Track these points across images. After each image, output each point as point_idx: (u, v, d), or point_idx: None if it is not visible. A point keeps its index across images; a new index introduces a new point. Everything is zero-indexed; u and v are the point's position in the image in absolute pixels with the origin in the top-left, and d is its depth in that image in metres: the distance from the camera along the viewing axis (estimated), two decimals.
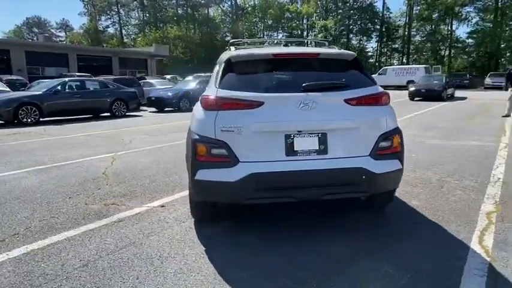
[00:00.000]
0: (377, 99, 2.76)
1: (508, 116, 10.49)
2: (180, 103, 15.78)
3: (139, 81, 19.08)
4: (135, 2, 55.49)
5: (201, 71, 32.02)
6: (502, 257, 2.50)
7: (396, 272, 2.35)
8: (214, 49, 50.41)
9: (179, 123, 10.86)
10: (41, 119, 11.19)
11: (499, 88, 23.43)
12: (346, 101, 2.67)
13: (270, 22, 55.69)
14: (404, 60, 45.15)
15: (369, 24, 49.08)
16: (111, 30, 60.53)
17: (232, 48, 3.33)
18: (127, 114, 13.60)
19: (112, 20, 59.45)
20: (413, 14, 45.30)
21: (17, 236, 3.01)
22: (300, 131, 2.60)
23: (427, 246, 2.71)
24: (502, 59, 39.46)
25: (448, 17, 41.87)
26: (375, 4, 48.54)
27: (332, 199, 2.89)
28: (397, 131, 2.80)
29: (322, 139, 2.62)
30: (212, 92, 2.78)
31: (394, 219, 3.29)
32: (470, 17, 41.07)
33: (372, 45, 52.27)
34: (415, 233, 2.95)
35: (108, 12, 58.98)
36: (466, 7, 40.28)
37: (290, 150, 2.60)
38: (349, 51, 3.08)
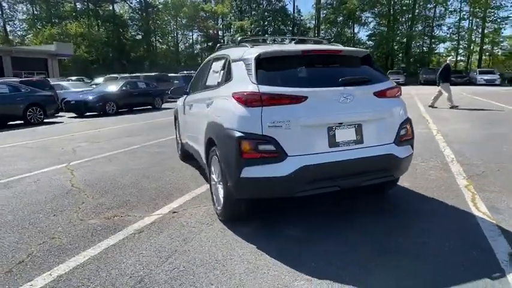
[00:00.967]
0: (395, 92, 3.08)
1: (432, 106, 12.16)
2: (106, 107, 14.55)
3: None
4: None
5: (111, 72, 29.75)
6: (502, 219, 3.03)
7: (433, 241, 2.69)
8: (123, 48, 47.14)
9: (117, 128, 10.13)
10: None
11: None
12: (375, 93, 2.92)
13: (184, 21, 54.45)
14: None
15: (282, 25, 51.65)
16: None
17: (247, 44, 3.31)
18: (45, 121, 12.04)
19: None
20: (322, 18, 49.22)
21: (24, 263, 2.55)
22: (341, 123, 2.76)
23: (443, 219, 3.12)
24: (395, 59, 45.56)
25: (350, 21, 46.60)
26: (287, 7, 51.36)
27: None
28: (409, 120, 3.16)
29: (359, 130, 2.82)
30: (249, 88, 2.75)
31: (402, 200, 3.65)
32: (368, 22, 46.62)
33: None
34: (426, 209, 3.35)
35: None
36: (366, 12, 45.48)
37: (333, 142, 2.74)
38: (363, 49, 3.35)
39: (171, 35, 56.92)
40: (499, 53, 42.08)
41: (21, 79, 16.23)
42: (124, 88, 15.78)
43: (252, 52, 2.99)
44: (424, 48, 44.70)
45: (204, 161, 3.63)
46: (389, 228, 2.94)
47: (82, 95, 15.08)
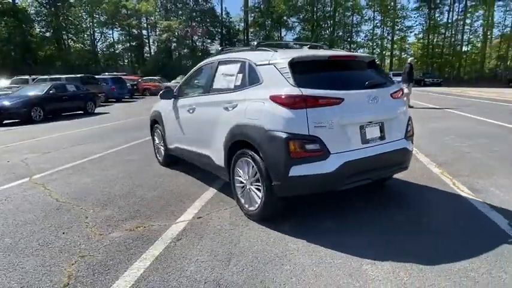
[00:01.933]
0: (401, 93, 3.50)
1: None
2: (32, 113, 12.94)
3: None
4: None
5: (17, 73, 25.98)
6: (485, 197, 3.67)
7: (446, 219, 3.16)
8: (28, 46, 41.68)
9: (57, 136, 9.23)
10: None
11: None
12: (391, 95, 3.30)
13: (102, 18, 50.76)
14: None
15: (211, 27, 51.53)
16: None
17: (268, 49, 3.42)
18: None
19: None
20: (250, 21, 50.40)
21: (73, 285, 2.33)
22: (370, 122, 3.07)
23: (443, 201, 3.65)
24: None
25: (278, 25, 48.58)
26: (215, 8, 51.41)
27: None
28: (411, 118, 3.62)
29: (382, 127, 3.17)
30: (290, 90, 2.88)
31: (401, 190, 4.09)
32: (294, 26, 49.22)
33: (215, 47, 55.02)
34: (425, 195, 3.85)
35: None
36: (292, 18, 47.89)
37: (364, 139, 3.04)
38: (370, 55, 3.70)
39: (87, 32, 52.47)
40: (407, 57, 48.16)
41: None
42: (51, 91, 14.22)
43: (282, 56, 3.13)
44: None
45: (221, 164, 3.64)
46: (403, 214, 3.35)
47: None
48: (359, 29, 47.98)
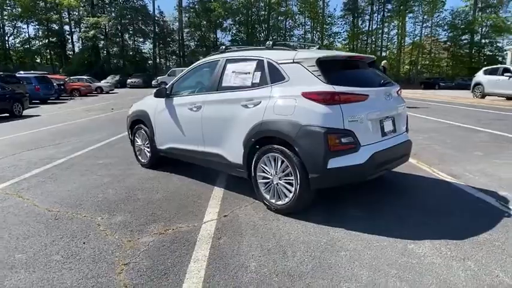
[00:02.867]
0: (400, 91, 3.89)
1: None
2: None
3: None
4: None
5: None
6: (465, 180, 4.26)
7: (442, 202, 3.62)
8: None
9: (22, 135, 8.15)
10: None
11: None
12: (397, 92, 3.66)
13: (15, 10, 45.28)
14: (181, 63, 48.45)
15: (143, 25, 49.15)
16: None
17: (287, 48, 3.54)
18: None
19: None
20: (185, 21, 49.25)
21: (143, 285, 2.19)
22: (387, 117, 3.38)
23: (434, 186, 4.13)
24: None
25: (213, 26, 48.27)
26: (147, 5, 49.10)
27: None
28: (407, 114, 4.04)
29: (394, 121, 3.51)
30: (323, 87, 3.05)
31: (392, 179, 4.52)
32: (230, 28, 49.37)
33: (148, 46, 52.65)
34: (417, 183, 4.31)
35: None
36: (228, 20, 48.01)
37: (383, 132, 3.34)
38: (372, 56, 4.02)
39: None
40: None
41: None
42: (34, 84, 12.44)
43: (308, 55, 3.28)
44: None
45: (238, 161, 3.65)
46: (411, 200, 3.75)
47: None
48: (292, 33, 50.21)
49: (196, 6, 48.99)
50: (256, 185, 3.55)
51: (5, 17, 46.14)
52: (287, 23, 49.67)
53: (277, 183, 3.35)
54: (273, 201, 3.40)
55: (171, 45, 53.96)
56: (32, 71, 28.81)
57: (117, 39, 49.18)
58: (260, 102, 3.42)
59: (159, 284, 2.28)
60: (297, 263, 2.48)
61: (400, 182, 4.40)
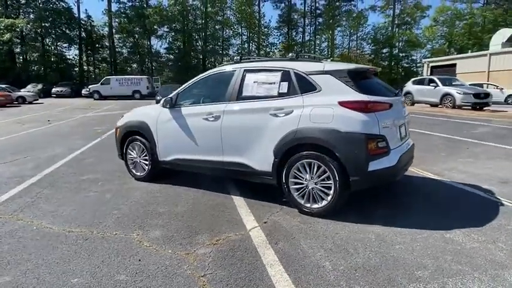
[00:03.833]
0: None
1: None
2: None
3: None
4: None
5: None
6: (449, 177, 4.92)
7: (441, 195, 4.18)
8: None
9: None
10: None
11: None
12: (402, 102, 4.13)
13: None
14: (112, 71, 45.68)
15: (68, 29, 45.29)
16: None
17: (316, 60, 3.82)
18: None
19: None
20: (116, 26, 46.68)
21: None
22: (403, 123, 3.81)
23: (430, 187, 4.70)
24: (194, 73, 49.25)
25: (147, 33, 46.53)
26: (72, 8, 45.29)
27: None
28: None
29: (405, 127, 3.96)
30: (357, 97, 3.37)
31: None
32: (165, 36, 48.10)
33: (74, 52, 48.49)
34: (411, 182, 4.85)
35: None
36: (163, 27, 46.72)
37: (400, 137, 3.76)
38: (376, 67, 4.45)
39: None
40: None
41: None
42: None
43: (337, 67, 3.59)
44: (217, 64, 50.76)
45: (267, 169, 3.77)
46: (412, 198, 4.25)
47: None
48: (231, 42, 50.90)
49: (128, 11, 46.92)
50: (288, 190, 3.70)
51: None
52: (224, 32, 50.21)
53: (312, 188, 3.54)
54: (308, 205, 3.58)
55: (100, 52, 50.69)
56: None
57: (37, 44, 44.61)
58: (292, 111, 3.60)
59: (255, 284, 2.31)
60: (365, 259, 2.71)
61: (397, 182, 4.89)
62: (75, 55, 48.79)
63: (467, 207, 3.85)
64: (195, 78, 4.66)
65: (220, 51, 49.68)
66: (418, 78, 19.70)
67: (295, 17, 51.90)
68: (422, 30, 48.67)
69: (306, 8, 51.82)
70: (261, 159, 3.81)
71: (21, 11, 44.02)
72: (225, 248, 2.93)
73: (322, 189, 3.49)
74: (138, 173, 5.11)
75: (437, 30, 47.33)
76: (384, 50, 49.81)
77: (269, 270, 2.57)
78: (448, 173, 5.22)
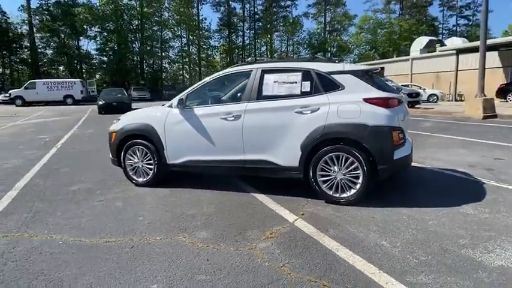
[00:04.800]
0: None
1: None
2: None
3: None
4: None
5: None
6: (431, 166, 5.60)
7: (440, 182, 4.79)
8: None
9: None
10: None
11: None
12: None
13: None
14: (34, 74, 41.30)
15: None
16: None
17: (335, 60, 4.12)
18: None
19: None
20: (37, 24, 42.34)
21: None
22: (405, 117, 4.30)
23: (425, 174, 5.29)
24: (132, 75, 46.75)
25: (75, 32, 42.99)
26: None
27: None
28: None
29: (407, 122, 4.46)
30: (379, 94, 3.75)
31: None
32: (96, 36, 44.85)
33: None
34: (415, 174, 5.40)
35: None
36: (94, 27, 43.56)
37: (407, 130, 4.24)
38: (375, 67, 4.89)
39: None
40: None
41: None
42: None
43: (356, 67, 3.94)
44: (155, 66, 49.03)
45: (293, 164, 3.96)
46: (411, 183, 4.78)
47: None
48: (170, 44, 49.50)
49: (52, 8, 43.01)
50: (315, 183, 3.92)
51: None
52: (163, 34, 48.70)
53: (341, 179, 3.82)
54: (337, 195, 3.86)
55: (18, 52, 45.57)
56: None
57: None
58: (319, 108, 3.84)
59: (344, 273, 2.49)
60: (412, 235, 3.07)
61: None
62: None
63: (461, 187, 4.48)
64: (203, 80, 4.66)
65: (159, 54, 48.05)
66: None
67: (235, 20, 52.55)
68: (350, 37, 53.01)
69: (246, 13, 52.91)
70: (286, 155, 3.98)
71: None
72: (283, 240, 3.06)
73: (351, 179, 3.79)
74: (140, 179, 4.90)
75: (363, 37, 51.91)
76: (318, 54, 52.93)
77: (338, 253, 2.78)
78: (426, 161, 5.94)
